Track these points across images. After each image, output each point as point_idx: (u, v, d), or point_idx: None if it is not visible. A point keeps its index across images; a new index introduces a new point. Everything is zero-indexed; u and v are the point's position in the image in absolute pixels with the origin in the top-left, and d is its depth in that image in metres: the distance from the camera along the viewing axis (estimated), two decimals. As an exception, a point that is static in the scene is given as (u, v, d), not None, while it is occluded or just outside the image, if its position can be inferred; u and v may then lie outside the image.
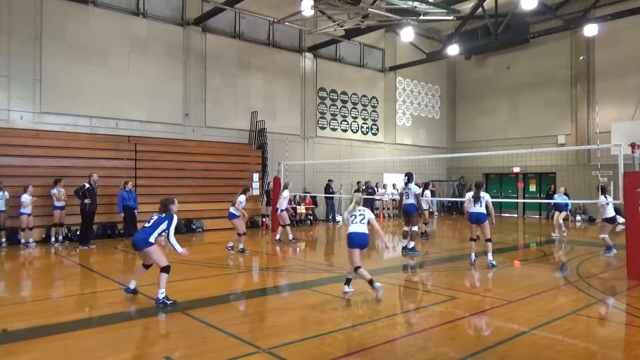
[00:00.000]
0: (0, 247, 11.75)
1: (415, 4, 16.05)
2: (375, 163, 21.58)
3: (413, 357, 4.53)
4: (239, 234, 10.83)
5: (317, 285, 7.69)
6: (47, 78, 14.06)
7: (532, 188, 24.05)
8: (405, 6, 16.23)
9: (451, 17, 18.32)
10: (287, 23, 17.34)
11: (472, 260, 9.34)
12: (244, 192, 11.13)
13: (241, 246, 10.95)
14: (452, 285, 7.78)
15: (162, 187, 15.31)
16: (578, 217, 20.79)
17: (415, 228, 10.96)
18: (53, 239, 12.44)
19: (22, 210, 11.95)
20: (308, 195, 19.39)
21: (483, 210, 9.25)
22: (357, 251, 6.72)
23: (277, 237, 12.85)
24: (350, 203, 7.01)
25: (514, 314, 5.92)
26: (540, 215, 22.87)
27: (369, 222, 6.77)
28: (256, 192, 17.74)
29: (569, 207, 15.15)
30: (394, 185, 22.21)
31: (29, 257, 10.82)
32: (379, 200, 21.39)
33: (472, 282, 8.09)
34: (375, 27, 19.66)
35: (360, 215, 6.76)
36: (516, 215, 23.70)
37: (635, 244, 8.04)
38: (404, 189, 10.82)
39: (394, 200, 21.95)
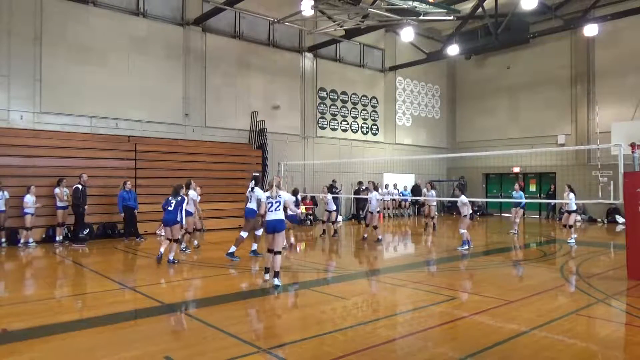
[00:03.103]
0: (0, 247, 11.76)
1: (415, 4, 16.02)
2: (375, 163, 21.59)
3: (413, 357, 4.53)
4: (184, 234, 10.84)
5: (317, 285, 7.69)
6: (47, 78, 14.05)
7: (532, 188, 24.04)
8: (405, 6, 16.19)
9: (451, 17, 18.29)
10: (287, 23, 17.33)
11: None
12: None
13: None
14: (452, 285, 7.78)
15: (162, 187, 15.28)
16: (578, 217, 20.77)
17: (244, 234, 9.89)
18: (58, 237, 12.51)
19: (26, 210, 12.01)
20: (308, 195, 19.38)
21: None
22: (271, 236, 7.49)
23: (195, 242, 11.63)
24: (270, 187, 7.76)
25: (514, 314, 5.92)
26: (540, 215, 22.86)
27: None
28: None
29: (524, 204, 15.57)
30: (394, 185, 22.31)
31: (29, 257, 10.81)
32: (379, 200, 21.35)
33: (472, 282, 8.08)
34: (375, 27, 19.64)
35: (276, 202, 7.56)
36: (516, 215, 23.62)
37: (635, 244, 8.04)
38: (249, 192, 9.93)
39: (394, 200, 22.05)
